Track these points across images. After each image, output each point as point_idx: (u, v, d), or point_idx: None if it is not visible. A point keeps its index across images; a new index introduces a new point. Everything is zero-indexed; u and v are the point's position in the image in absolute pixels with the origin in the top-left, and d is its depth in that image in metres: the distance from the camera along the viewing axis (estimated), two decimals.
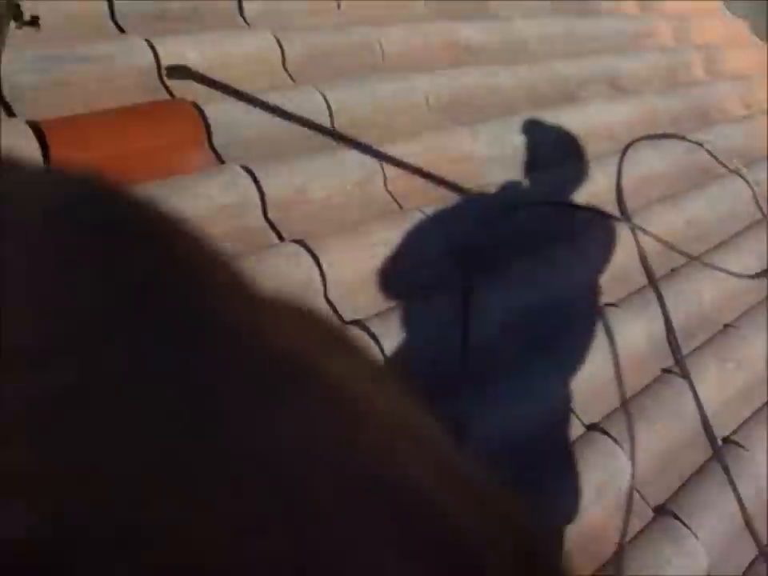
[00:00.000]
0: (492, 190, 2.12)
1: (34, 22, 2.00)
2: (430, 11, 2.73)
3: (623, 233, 2.28)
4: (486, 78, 2.51)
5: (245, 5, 2.28)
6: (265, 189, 1.78)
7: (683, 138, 2.81)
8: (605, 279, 2.17)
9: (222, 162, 1.84)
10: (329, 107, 2.10)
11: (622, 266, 2.23)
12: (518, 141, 2.33)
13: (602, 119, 2.65)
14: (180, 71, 2.07)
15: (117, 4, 2.08)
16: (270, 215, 1.79)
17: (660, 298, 2.18)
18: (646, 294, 2.18)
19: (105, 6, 2.07)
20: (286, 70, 2.19)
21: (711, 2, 4.20)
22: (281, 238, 1.75)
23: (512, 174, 2.23)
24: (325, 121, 2.09)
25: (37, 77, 1.81)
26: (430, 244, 1.88)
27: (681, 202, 2.54)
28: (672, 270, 2.33)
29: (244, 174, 1.78)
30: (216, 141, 1.87)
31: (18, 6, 1.95)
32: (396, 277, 1.78)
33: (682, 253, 2.39)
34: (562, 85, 2.74)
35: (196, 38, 2.06)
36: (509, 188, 2.16)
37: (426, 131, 2.17)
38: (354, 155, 1.98)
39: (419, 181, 2.04)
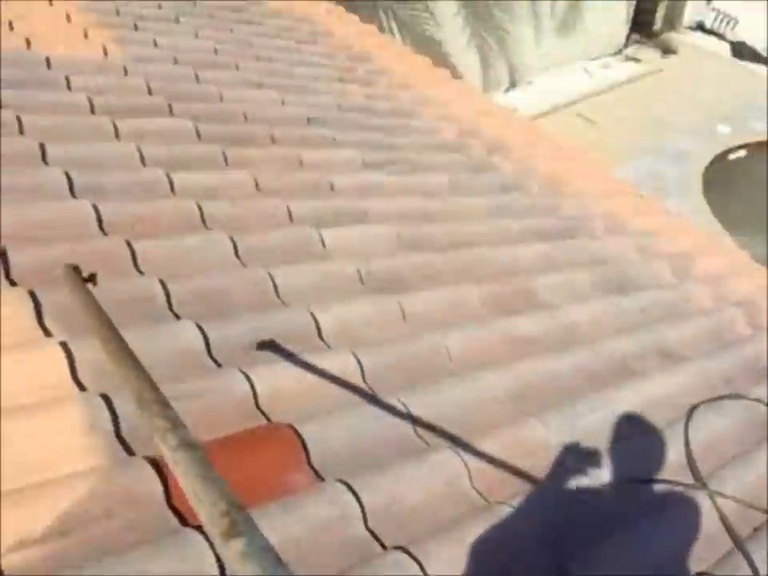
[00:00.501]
0: (569, 475, 2.25)
1: (92, 279, 2.28)
2: (486, 309, 3.01)
3: (701, 498, 2.37)
4: (546, 366, 2.72)
5: (322, 328, 2.55)
6: (364, 500, 1.93)
7: (742, 397, 2.96)
8: (693, 547, 2.23)
9: (322, 479, 2.01)
10: (410, 413, 2.29)
11: (705, 530, 2.30)
12: (586, 423, 2.49)
13: (660, 390, 2.81)
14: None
15: (212, 339, 2.35)
16: (370, 524, 1.93)
17: (749, 559, 2.23)
18: (734, 557, 2.23)
19: (201, 342, 2.34)
20: (365, 382, 2.41)
21: (743, 258, 4.50)
22: (383, 546, 1.88)
23: (584, 456, 2.36)
24: (407, 426, 2.28)
25: None
26: (521, 535, 1.99)
27: (751, 459, 2.64)
28: (755, 530, 2.39)
29: (343, 488, 1.94)
30: (313, 459, 2.05)
31: (77, 267, 2.23)
32: (494, 571, 1.89)
33: (761, 510, 2.45)
34: (617, 362, 2.93)
35: (286, 365, 2.31)
36: (584, 471, 2.29)
37: (500, 425, 2.35)
38: (439, 456, 2.14)
39: (501, 474, 2.19)
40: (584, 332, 3.09)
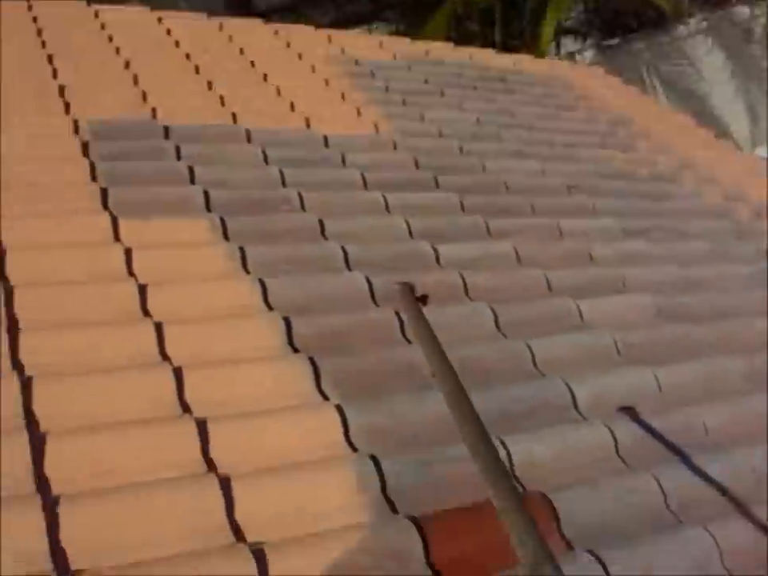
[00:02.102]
0: None
1: (424, 299, 2.48)
2: (747, 383, 2.95)
3: None
4: None
5: (578, 400, 2.63)
6: (612, 572, 1.98)
7: None
8: None
9: (572, 548, 2.07)
10: (662, 488, 2.31)
11: None
12: None
13: None
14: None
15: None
16: None
17: None
18: None
19: None
20: (619, 455, 2.45)
21: None
22: None
23: None
24: (659, 501, 2.29)
25: (415, 478, 2.18)
26: None
27: None
28: None
29: (592, 559, 2.00)
30: (564, 528, 2.13)
31: (412, 287, 2.43)
32: None
33: None
34: None
35: (538, 434, 2.41)
36: None
37: (757, 504, 2.30)
38: (691, 533, 2.15)
39: (755, 554, 2.15)
40: None
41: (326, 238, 3.19)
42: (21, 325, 2.35)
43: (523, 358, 2.80)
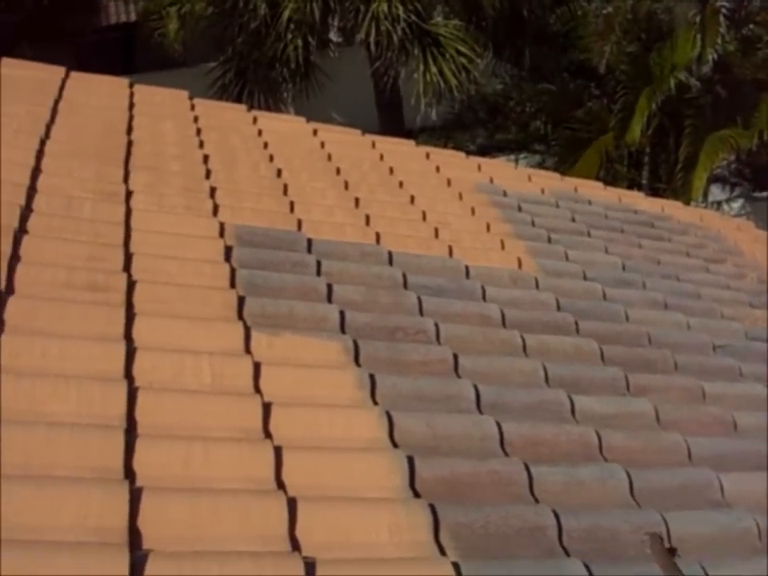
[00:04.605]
0: None
1: (673, 551, 2.32)
2: None
3: None
4: None
5: None
6: None
7: None
8: None
9: None
10: None
11: None
12: None
13: None
14: None
15: None
16: None
17: None
18: None
19: None
20: None
21: None
22: None
23: None
24: None
25: None
26: None
27: None
28: None
29: None
30: None
31: (661, 538, 2.38)
32: None
33: None
34: None
35: None
36: None
37: None
38: None
39: None
40: None
41: (458, 375, 3.06)
42: (138, 431, 2.29)
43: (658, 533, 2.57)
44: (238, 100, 10.79)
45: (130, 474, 2.13)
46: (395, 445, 2.55)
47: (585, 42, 12.16)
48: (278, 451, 2.31)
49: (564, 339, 3.60)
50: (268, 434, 2.43)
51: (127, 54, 18.76)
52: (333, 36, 12.97)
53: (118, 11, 19.02)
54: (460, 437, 2.68)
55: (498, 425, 2.76)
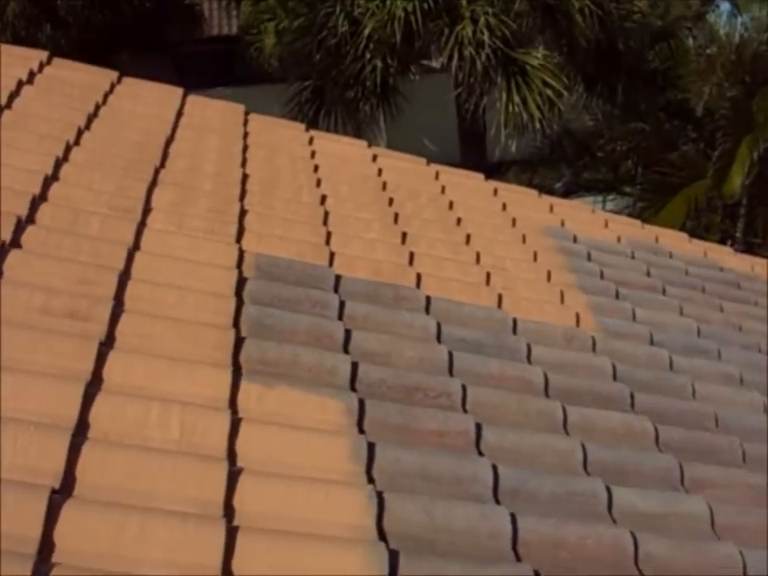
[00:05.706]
0: None
1: None
2: None
3: None
4: None
5: None
6: None
7: None
8: None
9: None
10: None
11: None
12: None
13: None
14: None
15: None
16: None
17: None
18: None
19: None
20: None
21: None
22: None
23: None
24: None
25: None
26: None
27: None
28: None
29: None
30: None
31: None
32: None
33: None
34: None
35: None
36: None
37: None
38: None
39: None
40: None
41: (479, 452, 2.63)
42: (75, 492, 1.95)
43: None
44: (314, 120, 10.49)
45: (47, 546, 1.79)
46: (382, 535, 2.14)
47: (684, 81, 11.62)
48: (231, 533, 1.93)
49: (613, 415, 3.12)
50: (229, 509, 2.05)
51: (227, 67, 18.88)
52: (433, 62, 12.71)
53: (220, 23, 19.21)
54: (464, 531, 2.24)
55: (514, 519, 2.31)
